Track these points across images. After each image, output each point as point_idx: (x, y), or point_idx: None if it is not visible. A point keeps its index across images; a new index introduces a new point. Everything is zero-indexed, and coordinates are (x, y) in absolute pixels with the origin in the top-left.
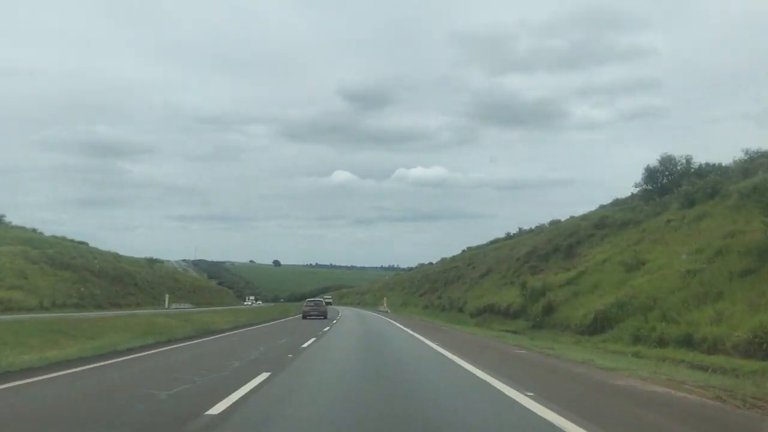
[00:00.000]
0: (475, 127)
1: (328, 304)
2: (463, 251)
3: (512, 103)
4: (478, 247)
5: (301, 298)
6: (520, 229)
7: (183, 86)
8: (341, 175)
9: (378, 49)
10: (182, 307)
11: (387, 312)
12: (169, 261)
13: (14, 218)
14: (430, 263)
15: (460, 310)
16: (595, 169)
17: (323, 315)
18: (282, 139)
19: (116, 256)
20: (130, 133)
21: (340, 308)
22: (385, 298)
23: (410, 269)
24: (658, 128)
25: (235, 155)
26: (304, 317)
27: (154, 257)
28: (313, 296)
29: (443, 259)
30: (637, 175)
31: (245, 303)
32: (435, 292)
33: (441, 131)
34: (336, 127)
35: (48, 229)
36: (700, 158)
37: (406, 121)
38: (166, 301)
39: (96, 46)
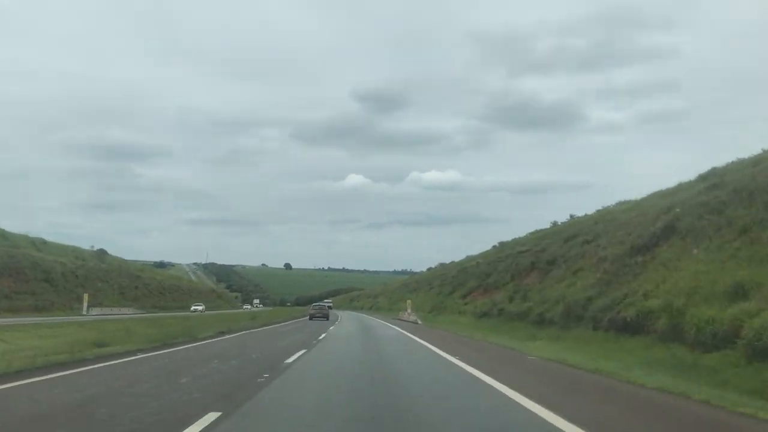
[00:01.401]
0: (490, 130)
1: (329, 308)
2: (494, 246)
3: (529, 105)
4: (515, 240)
5: (309, 301)
6: (571, 215)
7: (197, 90)
8: (355, 179)
9: (393, 51)
10: (112, 313)
11: (417, 323)
12: (180, 264)
13: (26, 222)
14: (452, 262)
15: (624, 329)
16: (613, 172)
17: (326, 317)
18: (295, 143)
19: (36, 243)
20: (144, 137)
21: (340, 314)
22: (409, 302)
23: (429, 269)
24: (678, 131)
25: (249, 159)
26: (310, 318)
27: (166, 260)
28: (317, 300)
29: (468, 257)
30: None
31: (194, 308)
32: (493, 290)
33: (456, 134)
34: (350, 130)
35: (61, 233)
36: None
37: (421, 124)
38: (84, 305)
39: (110, 50)
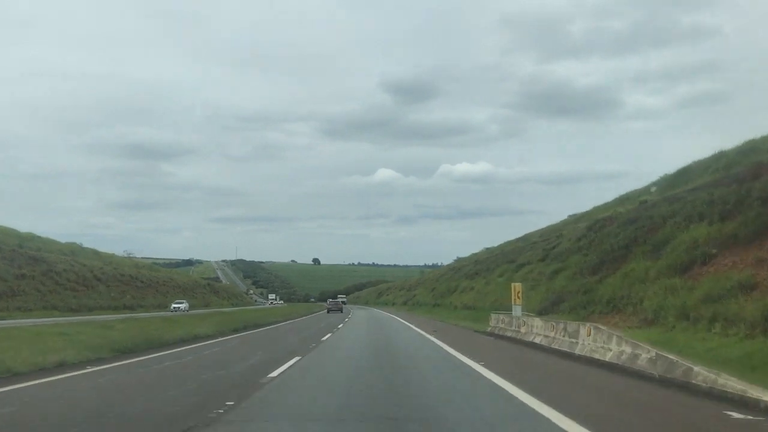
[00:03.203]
0: (522, 119)
1: (343, 303)
2: (564, 219)
3: (563, 91)
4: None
5: (334, 296)
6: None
7: (223, 86)
8: (384, 173)
9: (422, 38)
10: None
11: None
12: (209, 261)
13: (59, 223)
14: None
15: None
16: (649, 161)
17: (340, 310)
18: (324, 137)
19: None
20: (172, 135)
21: (354, 311)
22: (517, 286)
23: (473, 254)
24: (718, 116)
25: (277, 154)
26: (328, 312)
27: (195, 258)
28: (333, 297)
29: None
30: None
31: None
32: None
33: (487, 124)
34: (379, 122)
35: (92, 233)
36: None
37: (452, 114)
38: None
39: (137, 49)
